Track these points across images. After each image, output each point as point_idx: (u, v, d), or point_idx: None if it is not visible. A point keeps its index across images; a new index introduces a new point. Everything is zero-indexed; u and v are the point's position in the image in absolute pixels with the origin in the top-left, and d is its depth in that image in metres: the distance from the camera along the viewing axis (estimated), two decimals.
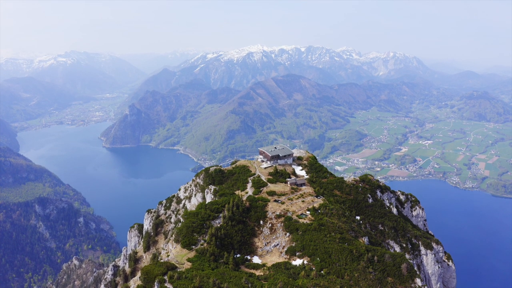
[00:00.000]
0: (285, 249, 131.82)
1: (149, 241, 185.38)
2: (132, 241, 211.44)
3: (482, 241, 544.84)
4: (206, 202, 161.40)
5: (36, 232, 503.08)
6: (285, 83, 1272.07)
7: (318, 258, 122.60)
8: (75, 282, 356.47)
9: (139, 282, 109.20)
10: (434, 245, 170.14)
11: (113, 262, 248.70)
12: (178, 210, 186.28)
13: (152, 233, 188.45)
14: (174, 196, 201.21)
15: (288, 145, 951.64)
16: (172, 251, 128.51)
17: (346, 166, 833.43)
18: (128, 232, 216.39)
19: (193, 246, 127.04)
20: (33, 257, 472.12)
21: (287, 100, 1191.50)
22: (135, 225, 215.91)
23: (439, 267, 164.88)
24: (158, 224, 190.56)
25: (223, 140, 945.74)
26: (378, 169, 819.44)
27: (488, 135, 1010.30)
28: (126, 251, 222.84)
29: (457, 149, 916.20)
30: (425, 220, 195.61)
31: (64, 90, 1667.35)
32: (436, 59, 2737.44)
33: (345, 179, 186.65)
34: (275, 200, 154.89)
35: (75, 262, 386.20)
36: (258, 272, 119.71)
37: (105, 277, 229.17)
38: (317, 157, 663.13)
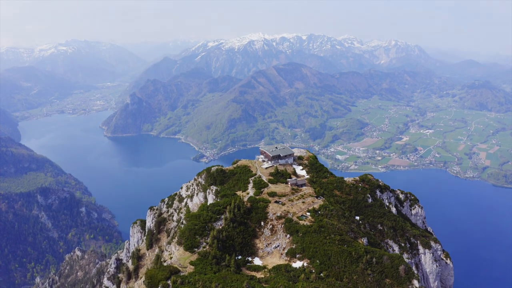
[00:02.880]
0: (286, 250, 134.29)
1: (152, 239, 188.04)
2: (135, 237, 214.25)
3: (482, 232, 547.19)
4: (208, 203, 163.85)
5: (38, 222, 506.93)
6: (286, 72, 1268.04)
7: (317, 261, 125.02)
8: (78, 273, 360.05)
9: (143, 286, 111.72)
10: (432, 243, 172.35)
11: (116, 255, 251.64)
12: (180, 208, 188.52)
13: (154, 231, 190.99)
14: (176, 194, 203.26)
15: (289, 133, 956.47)
16: (175, 253, 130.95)
17: (347, 155, 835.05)
18: (131, 228, 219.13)
19: (196, 249, 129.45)
20: (36, 247, 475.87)
21: (288, 88, 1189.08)
22: (137, 221, 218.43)
23: (437, 266, 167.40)
24: (161, 222, 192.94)
25: (224, 129, 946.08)
26: (379, 158, 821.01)
27: (489, 125, 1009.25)
28: (129, 245, 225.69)
29: (458, 139, 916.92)
30: (424, 218, 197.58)
31: (65, 79, 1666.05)
32: (438, 47, 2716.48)
33: (345, 178, 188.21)
34: (275, 201, 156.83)
35: (78, 253, 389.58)
36: (259, 275, 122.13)
37: (108, 270, 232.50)
38: (318, 146, 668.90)
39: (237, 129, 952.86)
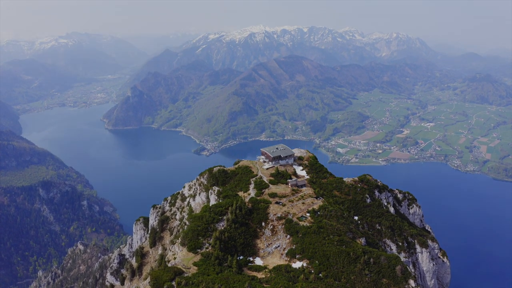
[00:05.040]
0: (286, 251, 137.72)
1: (155, 237, 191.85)
2: (138, 234, 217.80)
3: (481, 226, 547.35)
4: (210, 203, 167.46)
5: (40, 216, 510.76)
6: (287, 64, 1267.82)
7: (316, 261, 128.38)
8: (80, 267, 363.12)
9: (149, 287, 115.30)
10: (429, 242, 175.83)
11: (118, 250, 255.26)
12: (183, 207, 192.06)
13: (158, 229, 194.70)
14: (178, 193, 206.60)
15: (290, 126, 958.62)
16: (179, 254, 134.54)
17: (348, 148, 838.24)
18: (134, 225, 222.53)
19: (199, 250, 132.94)
20: (38, 241, 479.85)
21: (289, 81, 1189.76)
22: (140, 218, 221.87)
23: (433, 265, 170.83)
24: (164, 221, 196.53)
25: (225, 122, 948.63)
26: (380, 151, 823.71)
27: (490, 118, 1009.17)
28: (131, 240, 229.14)
29: (459, 132, 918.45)
30: (422, 216, 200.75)
31: (65, 71, 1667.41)
32: (439, 40, 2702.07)
33: (344, 179, 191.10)
34: (276, 202, 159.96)
35: (80, 247, 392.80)
36: (260, 275, 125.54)
37: (111, 265, 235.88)
38: (319, 139, 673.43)
39: (238, 122, 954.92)
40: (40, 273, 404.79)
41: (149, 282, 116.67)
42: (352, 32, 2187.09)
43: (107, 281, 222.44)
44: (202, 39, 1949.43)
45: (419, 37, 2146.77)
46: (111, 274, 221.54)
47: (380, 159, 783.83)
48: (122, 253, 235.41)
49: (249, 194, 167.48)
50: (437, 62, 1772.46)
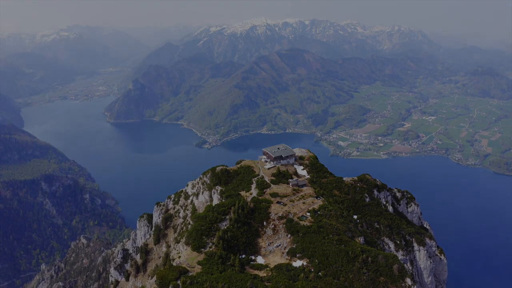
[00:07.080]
0: (287, 250, 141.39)
1: (159, 235, 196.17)
2: (142, 230, 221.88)
3: (482, 220, 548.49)
4: (213, 203, 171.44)
5: (43, 209, 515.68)
6: (289, 57, 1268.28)
7: (316, 260, 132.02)
8: (84, 261, 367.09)
9: (155, 286, 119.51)
10: (427, 240, 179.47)
11: (121, 244, 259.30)
12: (186, 205, 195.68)
13: (161, 227, 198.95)
14: (182, 191, 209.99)
15: (292, 119, 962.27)
16: (183, 253, 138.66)
17: (349, 142, 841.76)
18: (138, 221, 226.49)
19: (202, 249, 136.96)
20: (40, 234, 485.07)
21: (291, 74, 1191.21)
22: (144, 215, 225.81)
23: (431, 262, 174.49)
24: (167, 218, 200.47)
25: (227, 115, 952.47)
26: (381, 144, 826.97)
27: (492, 112, 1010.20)
28: (135, 235, 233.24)
29: (460, 125, 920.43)
30: (420, 214, 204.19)
31: (67, 64, 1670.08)
32: (441, 33, 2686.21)
33: (343, 178, 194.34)
34: (277, 202, 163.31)
35: (83, 240, 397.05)
36: (261, 273, 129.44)
37: (114, 260, 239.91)
38: (320, 132, 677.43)
39: (239, 115, 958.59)
40: (43, 266, 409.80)
41: (155, 281, 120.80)
42: (353, 25, 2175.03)
43: (111, 275, 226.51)
44: (203, 32, 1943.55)
45: (421, 30, 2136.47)
46: (115, 269, 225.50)
47: (381, 153, 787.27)
48: (126, 247, 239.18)
49: (251, 194, 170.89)
50: (439, 55, 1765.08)
